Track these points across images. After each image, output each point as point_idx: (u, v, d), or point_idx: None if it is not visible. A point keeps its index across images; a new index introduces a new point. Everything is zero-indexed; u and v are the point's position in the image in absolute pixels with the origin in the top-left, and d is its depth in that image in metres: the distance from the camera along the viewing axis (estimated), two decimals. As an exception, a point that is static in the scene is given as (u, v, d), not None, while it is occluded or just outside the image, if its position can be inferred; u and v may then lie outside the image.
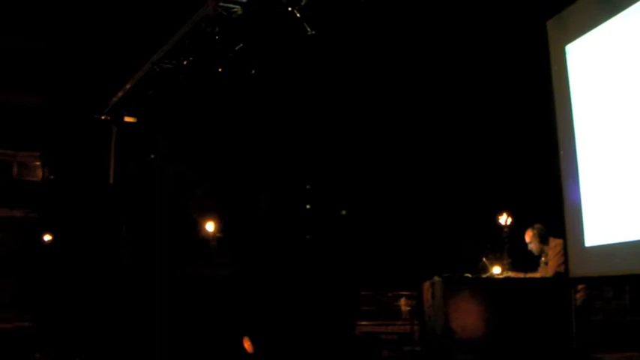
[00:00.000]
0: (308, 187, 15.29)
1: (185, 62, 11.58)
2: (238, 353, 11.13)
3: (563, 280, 8.61)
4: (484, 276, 9.21)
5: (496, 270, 9.25)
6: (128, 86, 13.10)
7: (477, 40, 10.61)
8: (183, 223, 14.89)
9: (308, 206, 15.26)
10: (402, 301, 11.59)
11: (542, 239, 9.23)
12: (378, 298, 11.66)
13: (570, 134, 8.19)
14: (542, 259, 9.23)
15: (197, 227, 15.06)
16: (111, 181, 14.58)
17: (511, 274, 9.18)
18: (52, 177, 17.19)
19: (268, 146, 14.42)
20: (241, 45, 10.76)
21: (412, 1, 10.26)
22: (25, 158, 17.40)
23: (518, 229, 9.64)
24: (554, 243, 9.09)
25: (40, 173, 17.39)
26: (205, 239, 14.96)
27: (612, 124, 7.54)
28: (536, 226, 9.34)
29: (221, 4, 9.86)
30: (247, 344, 11.16)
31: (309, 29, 9.67)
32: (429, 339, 9.41)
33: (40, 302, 15.10)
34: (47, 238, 16.81)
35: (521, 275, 9.21)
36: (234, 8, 9.93)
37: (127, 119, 14.35)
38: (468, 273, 9.22)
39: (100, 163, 14.82)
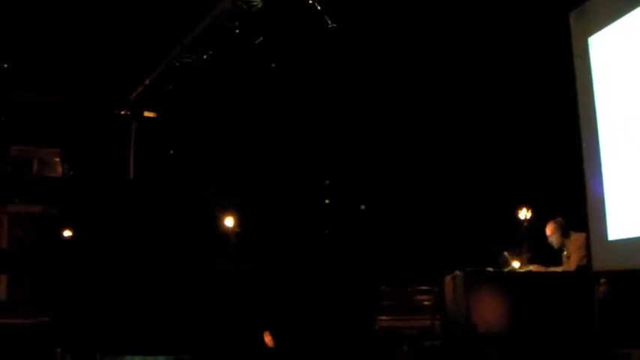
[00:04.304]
0: (327, 182, 15.28)
1: (205, 57, 11.59)
2: (259, 348, 11.14)
3: (585, 273, 8.58)
4: (506, 270, 9.19)
5: (515, 264, 9.22)
6: (148, 81, 13.14)
7: (499, 33, 10.57)
8: (202, 217, 14.91)
9: (327, 201, 15.25)
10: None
11: (564, 232, 9.20)
12: (398, 293, 11.63)
13: (593, 127, 8.15)
14: (564, 252, 9.19)
15: (216, 222, 15.06)
16: (131, 176, 14.63)
17: (533, 268, 9.14)
18: (71, 173, 17.25)
19: (287, 141, 14.42)
20: (261, 39, 10.76)
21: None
22: (45, 154, 17.48)
23: (538, 223, 9.60)
24: (575, 237, 9.06)
25: (59, 169, 17.44)
26: (225, 234, 14.97)
27: (635, 116, 7.49)
28: (558, 219, 9.31)
29: (240, -3, 9.89)
30: (268, 339, 11.18)
31: (329, 22, 9.66)
32: (450, 333, 9.39)
33: (61, 298, 15.15)
34: (67, 234, 16.86)
35: (542, 269, 9.18)
36: (254, 2, 9.96)
37: (147, 114, 14.39)
38: (489, 267, 9.20)
39: (119, 158, 14.86)
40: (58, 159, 17.62)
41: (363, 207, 14.90)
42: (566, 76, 8.56)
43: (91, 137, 16.05)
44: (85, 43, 13.83)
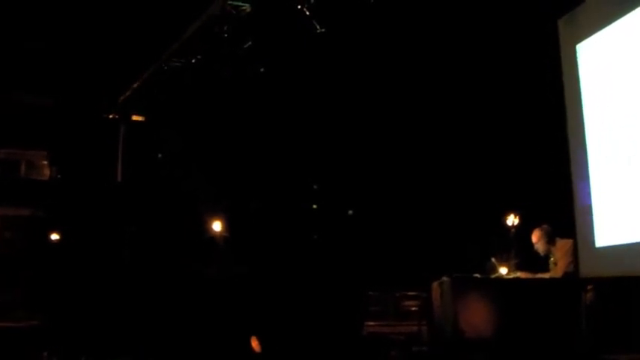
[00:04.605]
0: (315, 187, 15.27)
1: (193, 61, 11.56)
2: (246, 353, 11.12)
3: (572, 280, 8.59)
4: (493, 276, 9.20)
5: (503, 270, 9.24)
6: (136, 85, 13.09)
7: (487, 39, 10.58)
8: (190, 222, 14.88)
9: (315, 206, 15.24)
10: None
11: (550, 239, 9.24)
12: (385, 299, 11.62)
13: (581, 133, 8.17)
14: (552, 259, 9.22)
15: (204, 226, 15.03)
16: (118, 179, 14.58)
17: (520, 274, 9.17)
18: (59, 176, 17.18)
19: (275, 145, 14.40)
20: (250, 43, 10.74)
21: (422, -1, 10.28)
22: (33, 157, 17.37)
23: (525, 229, 9.62)
24: (561, 244, 9.11)
25: (47, 172, 17.35)
26: (212, 238, 14.93)
27: (623, 123, 7.51)
28: (544, 226, 9.35)
29: (230, 2, 9.84)
30: (255, 344, 11.15)
31: (318, 27, 9.65)
32: (437, 339, 9.40)
33: (48, 301, 15.10)
34: (54, 237, 16.79)
35: (530, 275, 9.19)
36: (242, 6, 9.90)
37: (135, 118, 14.34)
38: (476, 273, 9.21)
39: (107, 162, 14.81)
40: (45, 162, 17.51)
41: (350, 212, 14.90)
42: (554, 83, 8.57)
43: (79, 140, 15.99)
44: (74, 46, 13.79)
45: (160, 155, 15.16)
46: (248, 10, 9.97)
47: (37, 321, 14.31)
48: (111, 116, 14.50)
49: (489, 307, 8.55)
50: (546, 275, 9.17)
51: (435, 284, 9.45)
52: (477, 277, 9.09)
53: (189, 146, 14.86)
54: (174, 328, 12.44)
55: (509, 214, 9.80)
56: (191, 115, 14.00)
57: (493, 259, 9.34)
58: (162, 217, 14.69)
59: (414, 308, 11.35)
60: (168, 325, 12.56)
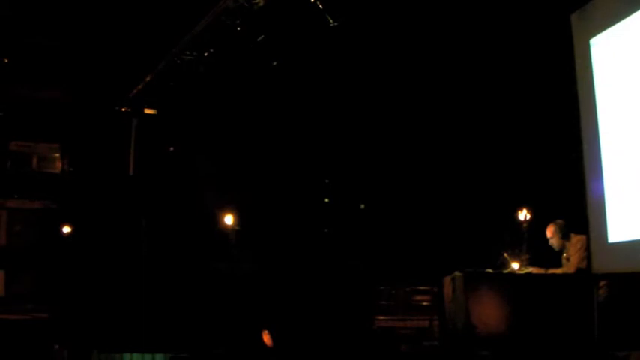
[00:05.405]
0: (327, 181, 15.27)
1: (206, 54, 11.57)
2: (257, 346, 11.13)
3: (584, 276, 8.56)
4: (505, 271, 9.18)
5: (515, 266, 9.22)
6: (148, 78, 13.11)
7: (500, 35, 10.55)
8: (202, 215, 14.90)
9: (327, 200, 15.24)
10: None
11: (564, 235, 9.20)
12: (396, 293, 11.62)
13: (594, 128, 8.12)
14: (564, 254, 9.18)
15: (216, 220, 15.04)
16: (130, 173, 14.61)
17: (532, 269, 9.14)
18: (71, 169, 17.22)
19: (287, 139, 14.41)
20: (263, 37, 10.74)
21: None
22: (45, 150, 17.42)
23: (537, 224, 9.59)
24: (575, 239, 9.07)
25: (59, 165, 17.40)
26: (224, 232, 14.94)
27: (636, 118, 7.46)
28: (558, 221, 9.31)
29: (243, -5, 9.86)
30: (266, 338, 11.16)
31: (331, 20, 9.64)
32: (449, 334, 9.38)
33: (59, 294, 15.15)
34: (66, 230, 16.84)
35: (542, 271, 9.17)
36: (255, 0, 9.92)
37: (147, 111, 14.38)
38: (488, 268, 9.19)
39: (119, 155, 14.84)
40: (57, 155, 17.56)
41: (362, 206, 14.89)
42: (567, 78, 8.54)
43: (91, 134, 16.03)
44: (86, 39, 13.82)
45: (171, 148, 15.20)
46: (261, 3, 9.97)
47: (48, 314, 14.37)
48: (123, 109, 14.53)
49: (501, 302, 8.52)
50: (558, 271, 9.14)
51: (446, 279, 9.43)
52: (489, 272, 9.07)
53: (201, 140, 14.87)
54: (187, 322, 12.47)
55: (521, 210, 9.76)
56: (203, 109, 14.02)
57: (505, 254, 9.32)
58: (174, 210, 14.72)
59: (424, 303, 11.36)
60: (180, 319, 12.60)
